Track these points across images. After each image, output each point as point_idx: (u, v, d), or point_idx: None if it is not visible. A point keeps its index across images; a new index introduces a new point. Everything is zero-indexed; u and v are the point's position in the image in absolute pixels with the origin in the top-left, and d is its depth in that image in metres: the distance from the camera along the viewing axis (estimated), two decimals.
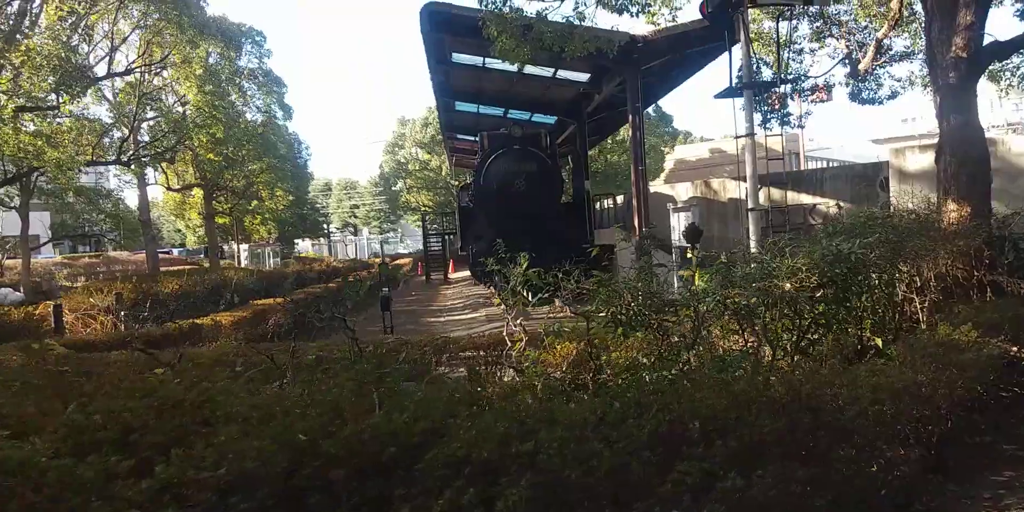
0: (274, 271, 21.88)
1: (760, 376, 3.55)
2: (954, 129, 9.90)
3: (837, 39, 15.31)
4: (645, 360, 4.18)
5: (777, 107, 17.20)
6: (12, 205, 28.32)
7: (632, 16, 11.17)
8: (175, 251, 50.15)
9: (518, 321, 4.81)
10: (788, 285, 4.81)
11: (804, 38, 16.45)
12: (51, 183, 28.27)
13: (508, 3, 9.78)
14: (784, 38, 16.82)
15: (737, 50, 12.11)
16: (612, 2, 10.42)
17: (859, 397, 3.29)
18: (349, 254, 66.83)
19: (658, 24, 12.14)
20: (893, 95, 15.81)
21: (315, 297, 14.56)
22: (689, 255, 11.84)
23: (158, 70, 17.50)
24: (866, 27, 15.02)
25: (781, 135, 11.16)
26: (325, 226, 71.66)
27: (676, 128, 43.98)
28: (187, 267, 34.30)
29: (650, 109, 41.02)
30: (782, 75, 11.46)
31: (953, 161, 9.86)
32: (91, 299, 9.87)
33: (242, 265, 35.94)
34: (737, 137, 10.74)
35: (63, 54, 12.06)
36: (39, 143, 13.77)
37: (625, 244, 16.20)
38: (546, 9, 10.20)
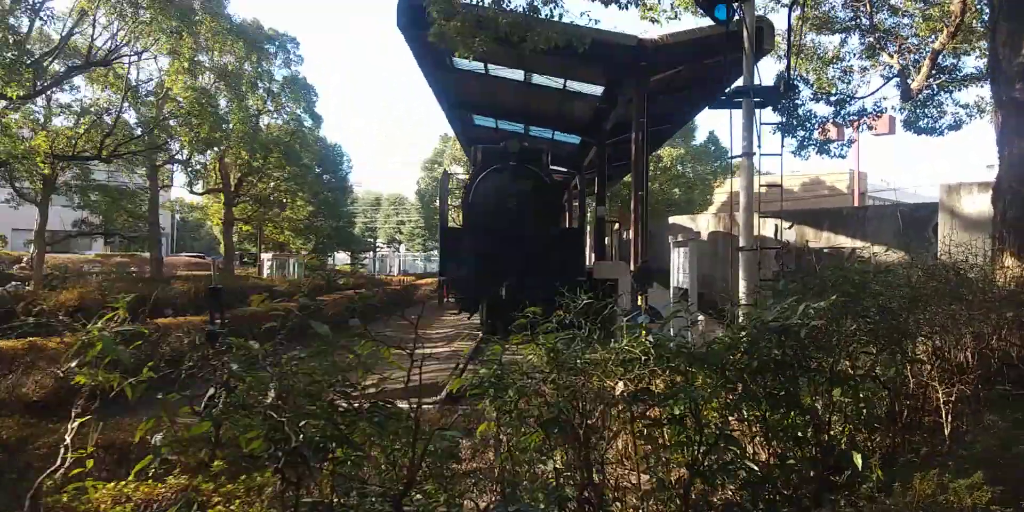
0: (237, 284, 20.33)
1: None
2: (1019, 160, 7.50)
3: (891, 55, 12.88)
4: None
5: (828, 134, 14.76)
6: (36, 199, 28.25)
7: (621, 7, 9.20)
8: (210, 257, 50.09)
9: None
10: (621, 385, 2.76)
11: (854, 54, 14.07)
12: (76, 179, 28.20)
13: None
14: (833, 53, 14.52)
15: (770, 62, 9.98)
16: None
17: None
18: (393, 270, 66.17)
19: (657, 20, 10.15)
20: (956, 124, 13.20)
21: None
22: (640, 302, 9.69)
23: (137, 60, 16.48)
24: (926, 42, 12.58)
25: (780, 157, 8.85)
26: (372, 240, 71.26)
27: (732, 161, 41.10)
28: (206, 273, 33.73)
29: (701, 137, 38.58)
30: (790, 81, 9.18)
31: (1015, 202, 7.45)
32: None
33: (264, 275, 35.16)
34: (731, 157, 8.58)
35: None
36: None
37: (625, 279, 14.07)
38: None
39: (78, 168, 25.22)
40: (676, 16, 10.17)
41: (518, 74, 16.08)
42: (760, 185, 8.38)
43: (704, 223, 16.71)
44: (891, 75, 13.07)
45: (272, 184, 28.71)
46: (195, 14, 15.84)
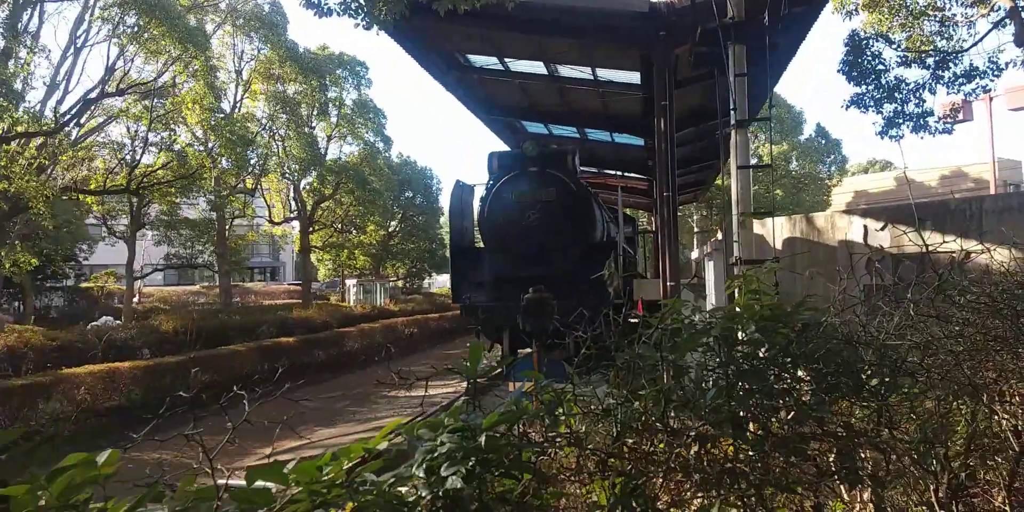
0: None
1: None
2: None
3: None
4: None
5: (926, 105, 11.42)
6: (122, 235, 29.40)
7: None
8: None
9: None
10: None
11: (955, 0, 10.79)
12: (165, 214, 29.10)
13: None
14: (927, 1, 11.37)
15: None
16: None
17: None
18: None
19: None
20: None
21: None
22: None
23: (154, 88, 15.98)
24: None
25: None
26: None
27: (845, 155, 36.32)
28: (292, 302, 33.86)
29: (809, 129, 34.06)
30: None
31: None
32: None
33: (350, 302, 34.86)
34: (722, 130, 6.05)
35: None
36: None
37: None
38: None
39: (164, 204, 25.66)
40: None
41: (540, 67, 14.03)
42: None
43: (778, 227, 13.74)
44: (1002, 19, 9.74)
45: (342, 210, 28.24)
46: (201, 35, 15.18)
